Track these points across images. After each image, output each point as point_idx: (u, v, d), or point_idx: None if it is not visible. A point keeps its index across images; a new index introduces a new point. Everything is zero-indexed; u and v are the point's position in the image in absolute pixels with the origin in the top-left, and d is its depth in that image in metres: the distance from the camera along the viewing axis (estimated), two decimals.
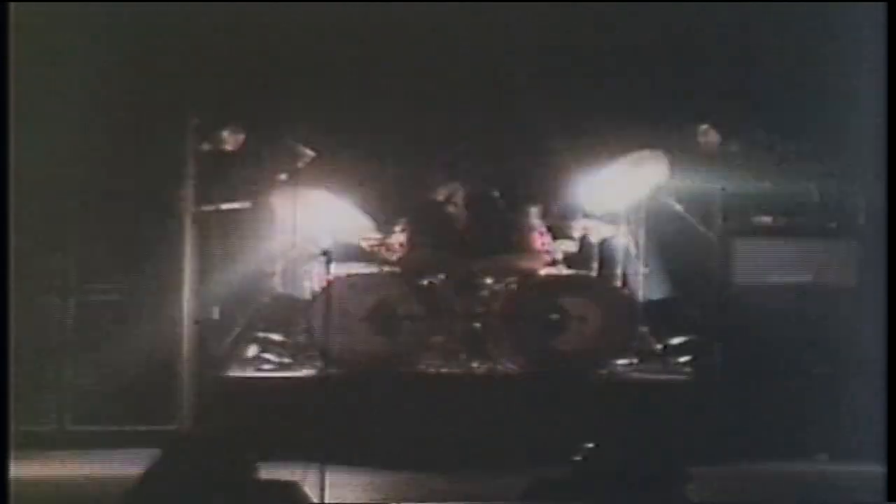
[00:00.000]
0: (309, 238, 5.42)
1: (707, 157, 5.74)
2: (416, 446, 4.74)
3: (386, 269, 5.45)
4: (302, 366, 5.35)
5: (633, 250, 5.66)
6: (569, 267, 5.54)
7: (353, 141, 5.93)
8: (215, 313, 5.42)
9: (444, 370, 5.33)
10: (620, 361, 5.40)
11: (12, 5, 4.16)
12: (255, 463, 2.91)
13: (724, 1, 5.67)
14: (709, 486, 3.76)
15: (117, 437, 4.85)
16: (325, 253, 4.79)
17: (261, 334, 5.56)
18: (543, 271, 5.44)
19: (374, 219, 5.61)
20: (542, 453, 3.86)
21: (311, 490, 3.29)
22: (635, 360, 5.48)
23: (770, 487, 4.55)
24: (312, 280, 5.42)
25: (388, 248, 5.53)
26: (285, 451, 3.97)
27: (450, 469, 4.54)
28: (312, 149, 5.65)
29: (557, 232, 5.58)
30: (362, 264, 5.46)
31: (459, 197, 5.67)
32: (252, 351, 5.52)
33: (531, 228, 5.52)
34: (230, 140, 5.73)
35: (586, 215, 5.62)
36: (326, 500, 3.61)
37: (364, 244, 5.56)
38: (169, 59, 5.02)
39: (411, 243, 5.51)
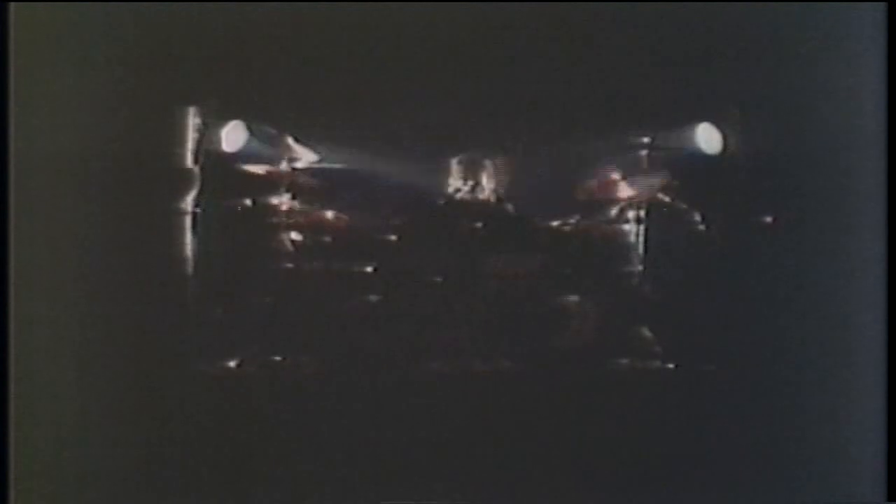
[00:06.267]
0: (309, 236, 5.43)
1: (707, 156, 5.74)
2: (416, 446, 4.75)
3: (386, 268, 5.45)
4: (301, 365, 5.36)
5: (633, 249, 5.67)
6: (570, 266, 5.54)
7: (355, 139, 5.93)
8: (216, 312, 5.42)
9: (444, 370, 5.34)
10: (621, 360, 5.41)
11: (12, 5, 4.16)
12: (252, 462, 2.92)
13: (724, 1, 5.66)
14: (707, 486, 3.77)
15: (116, 436, 4.86)
16: (325, 251, 4.80)
17: (261, 333, 5.56)
18: (544, 270, 5.45)
19: (376, 218, 5.61)
20: (543, 453, 3.87)
21: (311, 490, 3.30)
22: (636, 359, 5.49)
23: (769, 487, 4.55)
24: (313, 279, 5.42)
25: (389, 247, 5.54)
26: (285, 451, 3.97)
27: (449, 469, 4.55)
28: (314, 147, 5.66)
29: (558, 230, 5.58)
30: (363, 263, 5.46)
31: (460, 195, 5.68)
32: (253, 349, 5.52)
33: (532, 227, 5.52)
34: (231, 138, 5.73)
35: (585, 214, 5.62)
36: (326, 501, 3.62)
37: (365, 242, 5.56)
38: (170, 56, 5.02)
39: (412, 242, 5.52)
